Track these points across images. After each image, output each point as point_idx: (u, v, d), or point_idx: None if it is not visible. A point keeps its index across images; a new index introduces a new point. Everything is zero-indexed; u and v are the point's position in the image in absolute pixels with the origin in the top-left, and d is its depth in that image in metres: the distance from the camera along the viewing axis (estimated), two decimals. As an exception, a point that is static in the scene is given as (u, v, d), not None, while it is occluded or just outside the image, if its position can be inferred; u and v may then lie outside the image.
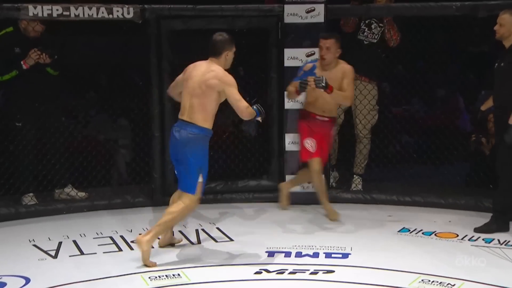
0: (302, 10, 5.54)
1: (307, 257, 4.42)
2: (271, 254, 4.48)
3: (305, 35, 5.58)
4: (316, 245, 4.64)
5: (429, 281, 3.96)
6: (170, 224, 4.39)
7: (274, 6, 5.66)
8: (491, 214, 5.02)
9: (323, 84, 4.91)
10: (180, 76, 4.46)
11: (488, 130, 5.84)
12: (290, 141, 5.72)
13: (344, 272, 4.15)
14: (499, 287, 3.88)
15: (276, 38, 5.67)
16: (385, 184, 6.04)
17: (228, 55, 4.34)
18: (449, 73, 7.42)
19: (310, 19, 5.54)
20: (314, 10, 5.52)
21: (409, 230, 4.99)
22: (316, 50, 5.56)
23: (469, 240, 4.75)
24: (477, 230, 4.89)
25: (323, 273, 4.14)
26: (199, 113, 4.24)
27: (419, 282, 3.96)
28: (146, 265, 4.23)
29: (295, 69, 5.59)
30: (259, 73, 5.97)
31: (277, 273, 4.15)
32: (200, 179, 4.27)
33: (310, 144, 5.21)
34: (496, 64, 4.86)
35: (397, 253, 4.49)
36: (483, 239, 4.73)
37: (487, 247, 4.59)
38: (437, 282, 3.94)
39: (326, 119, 5.24)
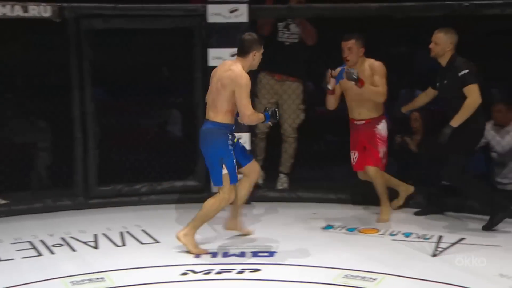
0: (226, 10, 5.53)
1: (233, 257, 4.42)
2: (197, 255, 4.45)
3: (230, 35, 5.56)
4: (243, 244, 4.65)
5: (352, 276, 4.04)
6: (205, 218, 4.47)
7: (198, 5, 5.63)
8: (411, 209, 5.29)
9: (354, 77, 4.83)
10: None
11: (412, 128, 6.02)
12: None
13: (270, 270, 4.18)
14: (418, 280, 3.99)
15: (200, 38, 5.64)
16: (310, 182, 6.13)
17: (256, 55, 4.40)
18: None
19: (234, 19, 5.54)
20: (237, 10, 5.53)
21: (333, 227, 5.08)
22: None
23: (389, 235, 4.87)
24: (485, 227, 4.88)
25: (250, 272, 4.15)
26: (212, 110, 4.40)
27: (343, 277, 4.03)
28: (198, 252, 4.43)
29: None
30: (184, 73, 5.92)
31: (203, 274, 4.12)
32: (225, 171, 4.36)
33: (352, 157, 5.30)
34: (438, 84, 4.99)
35: (322, 250, 4.56)
36: (403, 234, 4.87)
37: (406, 241, 4.72)
38: (360, 277, 4.03)
39: (363, 122, 5.15)
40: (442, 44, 4.84)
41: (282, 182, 6.00)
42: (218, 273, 4.13)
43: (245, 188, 4.66)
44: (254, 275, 4.11)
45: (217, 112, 4.36)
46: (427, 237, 4.77)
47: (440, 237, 4.74)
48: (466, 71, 4.78)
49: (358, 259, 4.34)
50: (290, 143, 5.97)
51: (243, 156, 4.59)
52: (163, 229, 5.03)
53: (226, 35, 5.56)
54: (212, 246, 4.61)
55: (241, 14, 5.53)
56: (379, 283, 3.94)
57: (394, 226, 5.04)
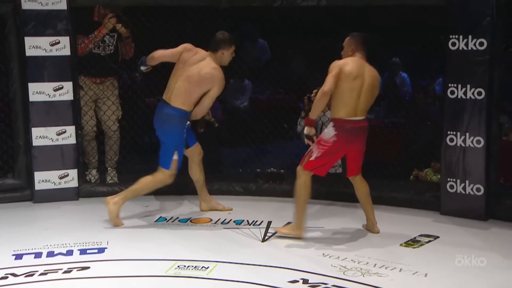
0: (42, -4, 5.23)
1: (60, 256, 4.21)
2: (19, 256, 4.19)
3: (48, 23, 5.27)
4: (70, 242, 4.45)
5: (185, 266, 4.03)
6: (138, 192, 4.79)
7: (9, -9, 5.24)
8: (241, 196, 5.41)
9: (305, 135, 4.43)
10: (176, 51, 4.66)
11: None
12: (38, 136, 5.37)
13: (100, 267, 4.04)
14: (248, 265, 4.08)
15: (14, 26, 5.26)
16: (141, 175, 5.98)
17: (224, 54, 4.66)
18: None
19: (51, 6, 5.24)
20: (55, -5, 5.25)
21: (166, 219, 5.03)
22: (60, 38, 5.30)
23: (222, 223, 4.93)
24: None
25: (78, 270, 3.98)
26: (182, 97, 4.59)
27: (175, 268, 4.00)
28: (114, 224, 4.71)
29: (38, 59, 5.28)
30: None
31: (25, 276, 3.88)
32: (175, 157, 4.65)
33: None
34: None
35: (154, 243, 4.50)
36: (234, 221, 4.95)
37: (237, 228, 4.80)
38: (192, 266, 4.02)
39: None
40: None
41: (112, 176, 5.83)
42: (43, 274, 3.91)
43: (197, 171, 5.00)
44: (82, 273, 3.95)
45: (188, 101, 4.60)
46: (258, 223, 4.88)
47: (269, 222, 4.87)
48: None
49: (191, 249, 4.34)
50: (115, 139, 5.82)
51: (190, 137, 4.87)
52: (-23, 232, 4.66)
53: (44, 23, 5.25)
54: (36, 246, 4.36)
55: (60, 1, 5.25)
56: (211, 271, 3.97)
57: (226, 214, 5.09)
